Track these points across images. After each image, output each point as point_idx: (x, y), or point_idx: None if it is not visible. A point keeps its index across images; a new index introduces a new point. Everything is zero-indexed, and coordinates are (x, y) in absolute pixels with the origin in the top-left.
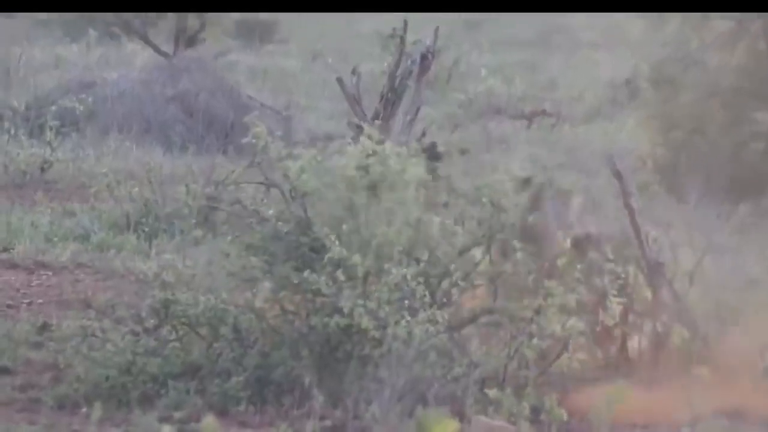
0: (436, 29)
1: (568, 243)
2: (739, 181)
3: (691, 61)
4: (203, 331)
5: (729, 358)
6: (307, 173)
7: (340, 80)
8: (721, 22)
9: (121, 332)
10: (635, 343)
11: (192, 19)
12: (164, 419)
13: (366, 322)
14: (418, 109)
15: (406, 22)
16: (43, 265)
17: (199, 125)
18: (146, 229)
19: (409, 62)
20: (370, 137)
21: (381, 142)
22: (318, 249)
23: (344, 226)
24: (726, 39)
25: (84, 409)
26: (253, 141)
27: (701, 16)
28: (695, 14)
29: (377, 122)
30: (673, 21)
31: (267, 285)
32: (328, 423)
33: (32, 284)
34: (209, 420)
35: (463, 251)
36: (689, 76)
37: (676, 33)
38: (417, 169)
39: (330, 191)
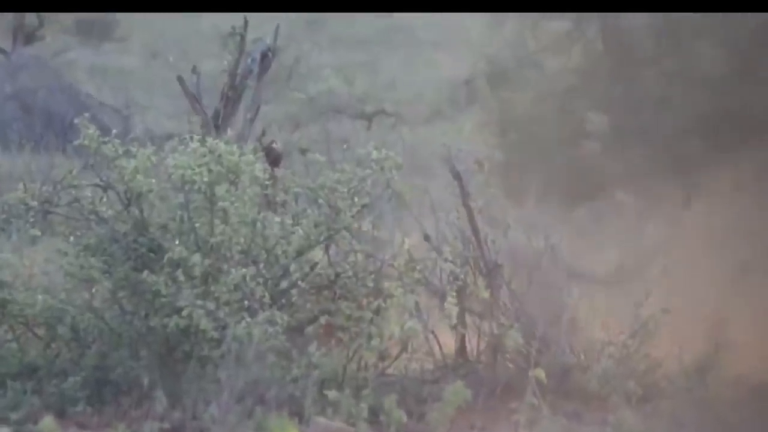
0: (276, 28)
1: (406, 243)
2: (575, 183)
3: (528, 62)
4: (41, 331)
5: (566, 360)
6: (141, 173)
7: (180, 79)
8: (557, 23)
9: None
10: (474, 345)
11: (30, 16)
12: (1, 420)
13: (205, 322)
14: (258, 108)
15: (246, 20)
16: None
17: (38, 123)
18: None
19: (249, 61)
20: (206, 136)
21: (217, 142)
22: (156, 249)
23: (181, 226)
24: (562, 41)
25: None
26: (85, 143)
27: (538, 17)
28: (532, 16)
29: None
30: (510, 22)
31: (106, 285)
32: (166, 424)
33: None
34: (47, 421)
35: (301, 252)
36: (526, 77)
37: (513, 34)
38: (254, 168)
39: (165, 191)
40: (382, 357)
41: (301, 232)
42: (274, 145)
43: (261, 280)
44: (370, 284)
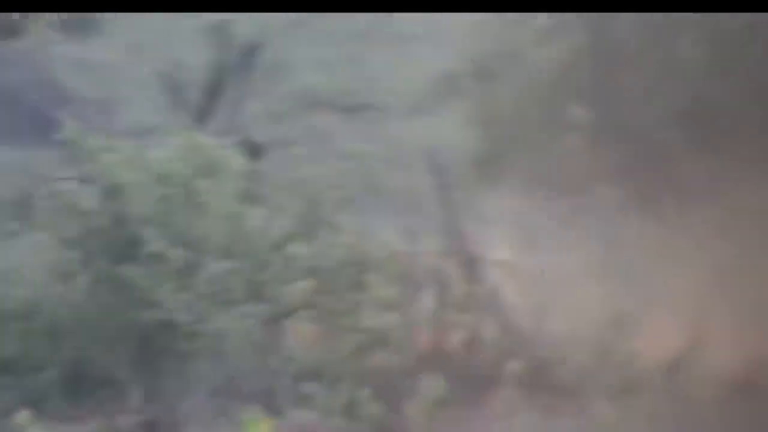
0: (259, 22)
1: (386, 237)
2: (557, 176)
3: (511, 56)
4: (18, 325)
5: (543, 353)
6: (123, 167)
7: (163, 73)
8: (540, 18)
9: None
10: (451, 338)
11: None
12: None
13: (182, 316)
14: (240, 102)
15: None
16: None
17: (20, 118)
18: None
19: (232, 56)
20: (187, 131)
21: (198, 136)
22: (135, 243)
23: (161, 220)
24: (545, 35)
25: None
26: (68, 137)
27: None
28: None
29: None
30: (492, 16)
31: (84, 278)
32: (142, 417)
33: None
34: (23, 415)
35: (281, 245)
36: (509, 70)
37: (496, 28)
38: (235, 162)
39: (145, 185)
40: (360, 350)
41: (281, 225)
42: (255, 139)
43: (240, 273)
44: (350, 277)
